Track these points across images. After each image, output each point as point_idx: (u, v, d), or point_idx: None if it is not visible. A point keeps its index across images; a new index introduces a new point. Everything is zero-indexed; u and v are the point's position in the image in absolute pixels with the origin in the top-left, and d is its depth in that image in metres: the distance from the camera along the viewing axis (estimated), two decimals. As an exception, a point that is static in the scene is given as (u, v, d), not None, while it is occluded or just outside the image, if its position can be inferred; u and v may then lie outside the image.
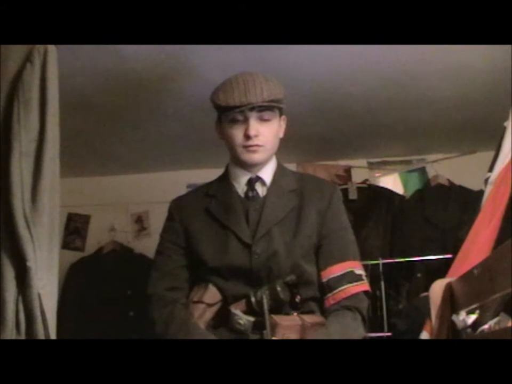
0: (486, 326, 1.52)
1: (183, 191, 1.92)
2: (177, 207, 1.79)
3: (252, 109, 1.64)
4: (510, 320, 1.48)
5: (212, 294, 1.67)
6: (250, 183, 1.73)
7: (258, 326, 1.60)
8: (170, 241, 1.76)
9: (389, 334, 3.05)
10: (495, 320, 1.51)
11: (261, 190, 1.74)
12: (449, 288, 1.67)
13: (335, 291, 1.66)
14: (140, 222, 4.01)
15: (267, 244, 1.66)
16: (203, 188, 1.82)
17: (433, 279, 1.78)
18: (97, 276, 3.67)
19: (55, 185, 1.51)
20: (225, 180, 1.78)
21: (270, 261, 1.65)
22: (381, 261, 3.17)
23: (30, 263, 1.41)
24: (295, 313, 1.64)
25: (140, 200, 3.91)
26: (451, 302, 1.65)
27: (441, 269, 2.07)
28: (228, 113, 1.66)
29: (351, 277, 1.67)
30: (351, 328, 1.62)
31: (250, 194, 1.73)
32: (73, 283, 3.66)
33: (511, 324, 1.46)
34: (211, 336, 1.60)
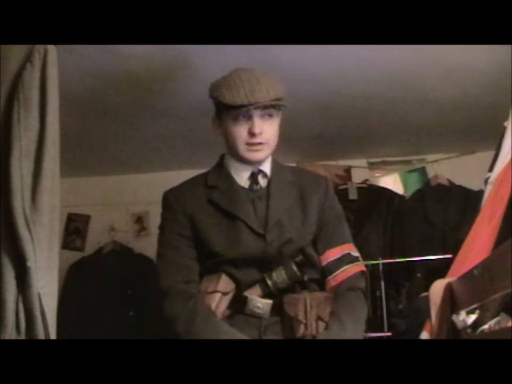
0: (486, 326, 1.52)
1: (183, 190, 1.90)
2: (176, 197, 1.75)
3: (257, 107, 1.64)
4: (510, 320, 1.48)
5: (225, 283, 1.68)
6: (254, 177, 1.74)
7: (276, 308, 1.64)
8: (176, 233, 1.72)
9: (389, 334, 3.05)
10: (495, 320, 1.51)
11: (262, 182, 1.75)
12: (449, 288, 1.67)
13: (335, 273, 1.72)
14: (140, 222, 4.01)
15: (279, 232, 1.69)
16: (199, 179, 1.79)
17: (433, 279, 1.78)
18: (97, 276, 3.68)
19: (55, 185, 1.51)
20: (223, 170, 1.77)
21: (284, 247, 1.68)
22: (381, 261, 3.16)
23: (30, 263, 1.41)
24: (305, 292, 1.68)
25: (140, 200, 3.90)
26: (451, 302, 1.65)
27: (441, 269, 2.06)
28: (231, 111, 1.66)
29: (348, 259, 1.74)
30: (357, 308, 1.69)
31: (254, 187, 1.74)
32: (73, 283, 3.67)
33: (511, 324, 1.46)
34: (238, 334, 1.59)
